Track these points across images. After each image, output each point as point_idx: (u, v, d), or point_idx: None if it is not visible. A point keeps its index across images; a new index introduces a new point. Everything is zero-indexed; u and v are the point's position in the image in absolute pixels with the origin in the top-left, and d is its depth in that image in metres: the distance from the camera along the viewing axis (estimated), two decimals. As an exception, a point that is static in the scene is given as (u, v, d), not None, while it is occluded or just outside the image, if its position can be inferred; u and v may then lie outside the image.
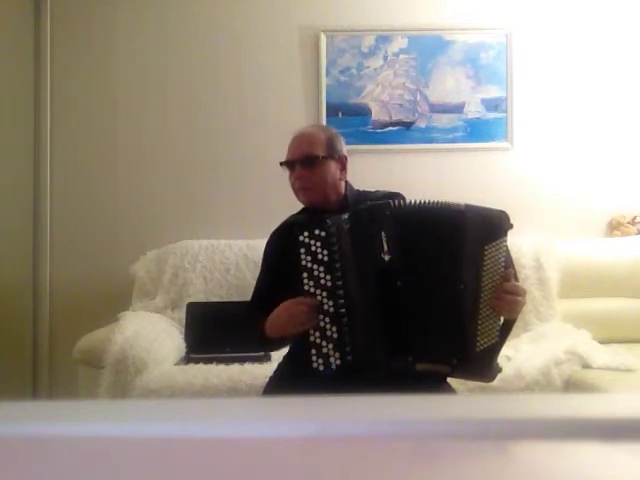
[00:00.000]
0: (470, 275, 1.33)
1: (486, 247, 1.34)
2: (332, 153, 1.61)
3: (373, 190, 1.67)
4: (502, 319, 1.37)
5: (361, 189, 1.70)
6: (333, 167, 1.61)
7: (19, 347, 2.85)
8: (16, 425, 0.40)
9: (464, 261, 1.34)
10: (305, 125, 2.86)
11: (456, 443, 0.37)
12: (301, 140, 1.64)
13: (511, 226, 1.37)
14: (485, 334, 1.33)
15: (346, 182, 1.67)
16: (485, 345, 1.33)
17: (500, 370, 1.40)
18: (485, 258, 1.33)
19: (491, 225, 1.37)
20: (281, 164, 1.63)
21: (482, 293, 1.33)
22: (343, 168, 1.64)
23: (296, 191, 1.62)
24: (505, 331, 1.37)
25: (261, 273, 1.72)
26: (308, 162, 1.58)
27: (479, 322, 1.32)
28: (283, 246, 1.56)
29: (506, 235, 1.37)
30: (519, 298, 1.35)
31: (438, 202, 1.39)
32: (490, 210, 1.38)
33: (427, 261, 1.36)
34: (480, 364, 1.35)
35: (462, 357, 1.32)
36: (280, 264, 1.57)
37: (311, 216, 1.58)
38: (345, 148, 1.66)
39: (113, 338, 2.11)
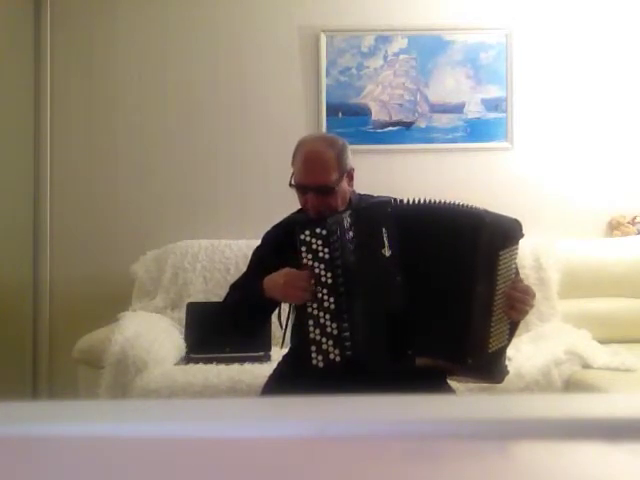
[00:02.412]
0: (485, 278, 1.35)
1: (501, 252, 1.36)
2: (343, 172, 1.56)
3: (376, 195, 1.67)
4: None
5: (362, 193, 1.69)
6: (345, 186, 1.58)
7: (19, 347, 2.85)
8: (16, 425, 0.40)
9: (480, 264, 1.36)
10: (305, 126, 2.90)
11: (456, 443, 0.37)
12: (314, 165, 1.55)
13: (522, 235, 1.40)
14: (497, 336, 1.36)
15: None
16: (497, 347, 1.36)
17: (508, 372, 1.42)
18: (500, 263, 1.36)
19: (507, 232, 1.39)
20: (291, 186, 1.57)
21: (496, 296, 1.35)
22: (351, 179, 1.62)
23: (307, 210, 1.57)
24: (511, 333, 1.40)
25: (249, 267, 1.69)
26: (323, 191, 1.53)
27: (492, 324, 1.35)
28: (279, 245, 1.57)
29: (518, 243, 1.40)
30: (528, 297, 1.39)
31: (448, 203, 1.41)
32: (506, 217, 1.41)
33: (432, 259, 1.38)
34: (491, 365, 1.38)
35: (476, 358, 1.34)
36: (273, 262, 1.57)
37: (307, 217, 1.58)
38: (351, 155, 1.62)
39: (113, 338, 2.11)
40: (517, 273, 1.43)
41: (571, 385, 2.02)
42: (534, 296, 1.42)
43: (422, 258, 1.38)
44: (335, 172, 1.54)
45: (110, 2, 2.98)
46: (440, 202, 1.41)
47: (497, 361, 1.39)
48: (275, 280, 1.46)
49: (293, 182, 1.57)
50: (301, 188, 1.55)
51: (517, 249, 1.40)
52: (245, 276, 1.69)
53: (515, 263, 1.41)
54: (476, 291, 1.35)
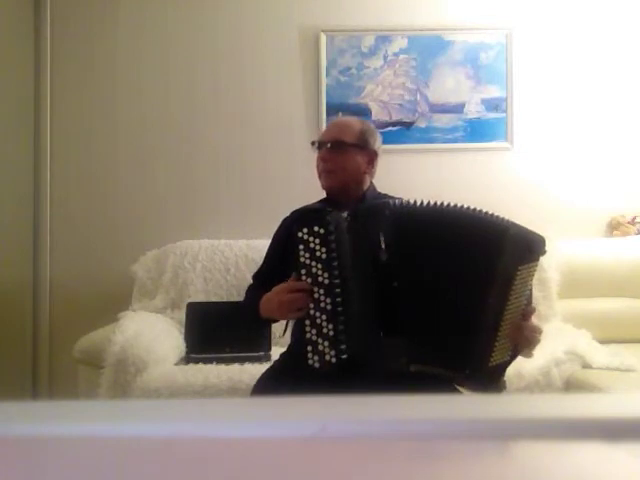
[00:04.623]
0: (498, 291, 1.30)
1: (520, 267, 1.31)
2: (362, 144, 1.64)
3: (396, 197, 1.66)
4: None
5: (383, 192, 1.71)
6: (359, 157, 1.64)
7: (19, 347, 2.85)
8: (16, 425, 0.40)
9: (496, 276, 1.31)
10: (305, 126, 2.91)
11: (456, 443, 0.37)
12: (335, 125, 1.73)
13: (545, 252, 1.36)
14: (500, 351, 1.33)
15: (371, 182, 1.69)
16: (498, 361, 1.33)
17: (505, 387, 1.39)
18: (517, 278, 1.31)
19: (530, 246, 1.34)
20: (312, 143, 1.70)
21: (506, 311, 1.31)
22: (370, 162, 1.66)
23: (319, 173, 1.66)
24: (515, 353, 1.37)
25: (266, 255, 1.76)
26: (335, 146, 1.62)
27: (497, 339, 1.31)
28: (286, 234, 1.57)
29: (538, 259, 1.35)
30: (539, 337, 1.37)
31: (466, 209, 1.35)
32: (531, 231, 1.36)
33: (436, 265, 1.34)
34: (489, 379, 1.35)
35: (475, 369, 1.32)
36: (283, 251, 1.59)
37: (326, 208, 1.58)
38: (380, 146, 1.70)
39: (113, 338, 2.11)
40: (530, 295, 1.38)
41: (571, 385, 2.02)
42: (541, 331, 1.38)
43: (424, 264, 1.34)
44: (354, 137, 1.64)
45: (110, 2, 2.98)
46: (454, 207, 1.35)
47: (496, 376, 1.36)
48: (270, 300, 1.48)
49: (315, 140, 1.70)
50: (319, 144, 1.67)
51: (536, 266, 1.35)
52: (264, 262, 1.75)
53: (532, 280, 1.36)
54: (487, 303, 1.30)
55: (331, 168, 1.62)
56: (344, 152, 1.62)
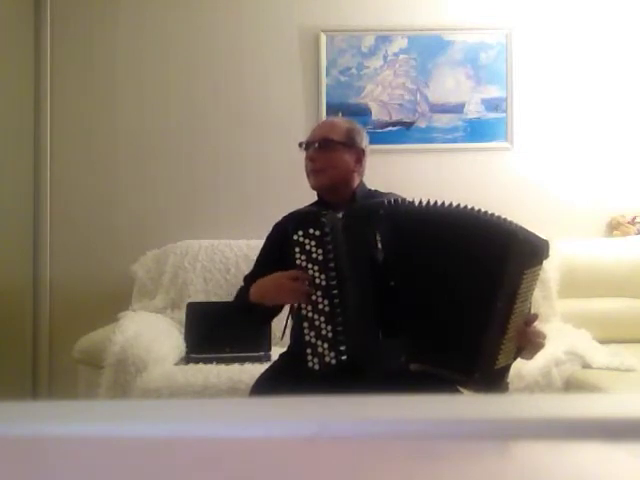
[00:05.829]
0: (505, 295, 1.30)
1: (526, 271, 1.31)
2: (349, 142, 1.64)
3: (385, 192, 1.67)
4: None
5: (373, 189, 1.71)
6: (347, 156, 1.63)
7: (19, 347, 2.85)
8: (16, 425, 0.40)
9: (502, 280, 1.30)
10: (305, 126, 2.90)
11: (456, 443, 0.37)
12: (322, 125, 1.76)
13: (548, 256, 1.36)
14: (506, 354, 1.33)
15: (361, 181, 1.69)
16: (503, 364, 1.33)
17: (508, 389, 1.39)
18: (523, 281, 1.30)
19: (536, 251, 1.34)
20: (300, 145, 1.68)
21: (513, 315, 1.30)
22: (359, 161, 1.66)
23: (308, 173, 1.65)
24: (517, 355, 1.38)
25: (258, 259, 1.74)
26: (322, 145, 1.62)
27: (503, 342, 1.31)
28: (281, 238, 1.57)
29: (542, 263, 1.35)
30: (543, 341, 1.37)
31: (469, 210, 1.34)
32: (536, 236, 1.35)
33: (437, 266, 1.33)
34: (495, 380, 1.35)
35: (483, 372, 1.31)
36: (278, 255, 1.58)
37: (319, 209, 1.58)
38: (367, 145, 1.70)
39: (113, 338, 2.11)
40: (530, 303, 1.38)
41: (571, 385, 2.02)
42: (545, 337, 1.39)
43: (421, 263, 1.34)
44: (341, 136, 1.63)
45: (110, 2, 2.98)
46: (456, 207, 1.34)
47: (499, 378, 1.36)
48: (264, 284, 1.47)
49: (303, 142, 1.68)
50: (306, 144, 1.66)
51: (540, 269, 1.35)
52: (256, 265, 1.73)
53: (535, 284, 1.36)
54: (493, 306, 1.29)
55: (320, 167, 1.62)
56: (332, 150, 1.62)
